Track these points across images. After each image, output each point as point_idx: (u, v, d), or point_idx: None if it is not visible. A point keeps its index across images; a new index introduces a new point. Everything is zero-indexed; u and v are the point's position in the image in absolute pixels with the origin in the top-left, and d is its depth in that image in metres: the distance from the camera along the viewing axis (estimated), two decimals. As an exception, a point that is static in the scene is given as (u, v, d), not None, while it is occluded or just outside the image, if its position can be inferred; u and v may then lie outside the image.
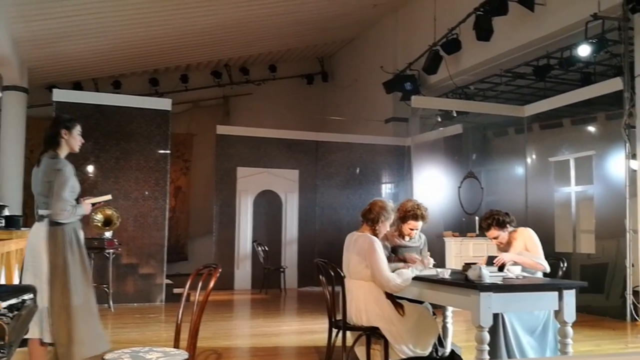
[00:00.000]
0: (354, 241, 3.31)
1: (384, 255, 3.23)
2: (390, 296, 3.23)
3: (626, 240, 5.88)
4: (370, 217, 3.29)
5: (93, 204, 3.28)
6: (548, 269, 3.47)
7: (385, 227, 3.31)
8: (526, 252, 3.50)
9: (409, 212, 3.61)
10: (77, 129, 3.22)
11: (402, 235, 3.75)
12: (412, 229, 3.69)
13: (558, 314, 3.02)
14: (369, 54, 10.84)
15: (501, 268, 3.31)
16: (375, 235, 3.28)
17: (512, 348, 3.13)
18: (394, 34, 10.03)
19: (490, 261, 3.36)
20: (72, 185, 3.08)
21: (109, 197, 3.44)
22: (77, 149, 3.25)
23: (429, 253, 3.84)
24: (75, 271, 2.99)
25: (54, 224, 3.00)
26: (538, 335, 3.27)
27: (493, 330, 3.10)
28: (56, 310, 2.93)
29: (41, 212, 3.05)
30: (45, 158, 3.13)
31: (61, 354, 2.91)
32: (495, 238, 3.57)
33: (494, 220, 3.52)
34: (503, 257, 3.38)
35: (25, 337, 2.81)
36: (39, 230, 3.02)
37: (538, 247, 3.50)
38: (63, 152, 3.19)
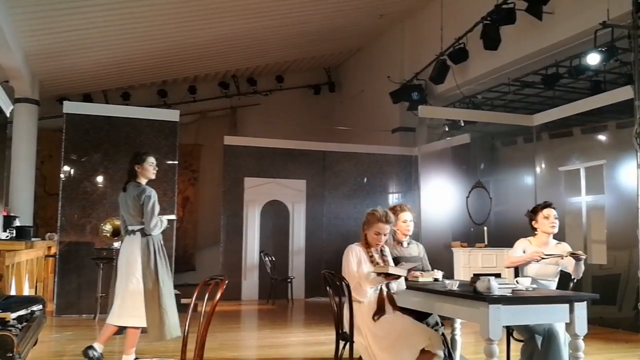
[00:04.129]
0: None
1: (352, 261, 3.19)
2: (382, 309, 3.11)
3: (639, 251, 5.77)
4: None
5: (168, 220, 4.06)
6: (504, 265, 3.51)
7: (370, 236, 3.25)
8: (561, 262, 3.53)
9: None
10: (148, 161, 3.98)
11: (400, 242, 3.71)
12: (405, 226, 3.67)
13: (569, 326, 2.96)
14: (376, 64, 10.86)
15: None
16: (367, 245, 3.26)
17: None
18: (401, 43, 10.05)
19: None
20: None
21: (173, 216, 4.30)
22: (152, 176, 4.01)
23: (424, 263, 3.80)
24: (162, 271, 3.84)
25: (146, 236, 3.85)
26: None
27: (548, 344, 3.07)
28: (150, 302, 3.78)
29: (131, 227, 3.92)
30: (132, 186, 3.96)
31: (154, 336, 3.79)
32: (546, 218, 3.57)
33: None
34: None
35: (124, 325, 3.85)
36: (133, 241, 3.89)
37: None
38: (142, 180, 3.98)
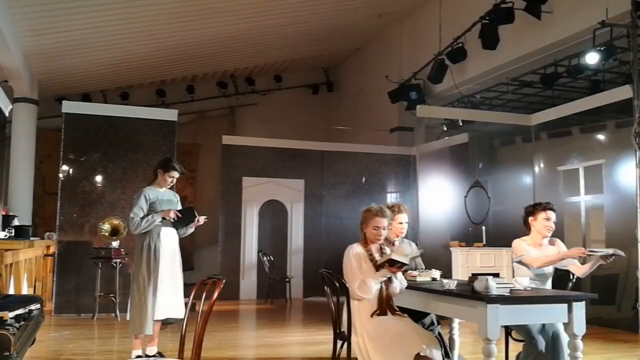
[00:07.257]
0: None
1: (352, 260, 3.15)
2: (383, 308, 3.07)
3: (637, 251, 5.77)
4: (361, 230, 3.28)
5: (182, 212, 4.07)
6: (535, 266, 3.36)
7: (370, 232, 3.18)
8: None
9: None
10: (170, 173, 4.10)
11: (392, 242, 3.70)
12: (400, 227, 3.65)
13: (567, 326, 2.95)
14: (374, 64, 10.86)
15: None
16: (368, 244, 3.21)
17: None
18: (399, 43, 10.05)
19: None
20: (151, 204, 4.01)
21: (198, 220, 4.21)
22: (163, 186, 4.13)
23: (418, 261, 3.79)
24: (141, 272, 3.95)
25: (140, 235, 4.01)
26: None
27: (553, 348, 3.06)
28: (131, 295, 4.01)
29: None
30: None
31: (132, 329, 3.96)
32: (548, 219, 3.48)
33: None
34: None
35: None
36: None
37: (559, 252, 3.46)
38: (156, 184, 4.13)
